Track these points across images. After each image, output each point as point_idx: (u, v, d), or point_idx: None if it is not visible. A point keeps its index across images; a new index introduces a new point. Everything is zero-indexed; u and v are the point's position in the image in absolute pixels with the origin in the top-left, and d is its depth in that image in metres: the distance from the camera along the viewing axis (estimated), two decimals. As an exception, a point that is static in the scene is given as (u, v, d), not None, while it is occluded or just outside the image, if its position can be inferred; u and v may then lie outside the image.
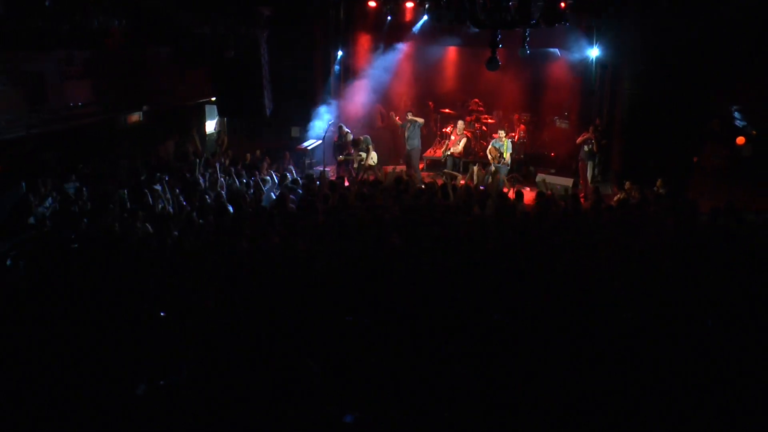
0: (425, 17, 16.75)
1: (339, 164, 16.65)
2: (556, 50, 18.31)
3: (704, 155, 14.56)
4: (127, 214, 10.03)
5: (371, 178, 14.32)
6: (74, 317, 6.83)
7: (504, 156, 15.99)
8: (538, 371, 6.09)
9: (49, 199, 11.04)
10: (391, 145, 18.34)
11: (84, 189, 11.47)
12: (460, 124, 17.69)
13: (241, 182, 12.86)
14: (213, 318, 6.98)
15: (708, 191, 13.46)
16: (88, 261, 8.28)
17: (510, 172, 16.64)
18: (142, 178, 12.77)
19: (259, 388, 5.71)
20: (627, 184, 13.25)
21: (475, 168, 14.96)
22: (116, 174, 13.18)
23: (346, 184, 13.72)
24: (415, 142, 17.00)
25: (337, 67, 19.08)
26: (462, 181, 14.98)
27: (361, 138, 16.51)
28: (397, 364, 6.13)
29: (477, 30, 14.34)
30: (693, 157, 14.89)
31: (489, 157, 16.24)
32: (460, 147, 17.31)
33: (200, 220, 9.83)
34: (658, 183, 12.98)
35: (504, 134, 16.29)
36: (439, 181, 14.08)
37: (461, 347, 6.39)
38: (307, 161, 16.91)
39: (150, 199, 10.82)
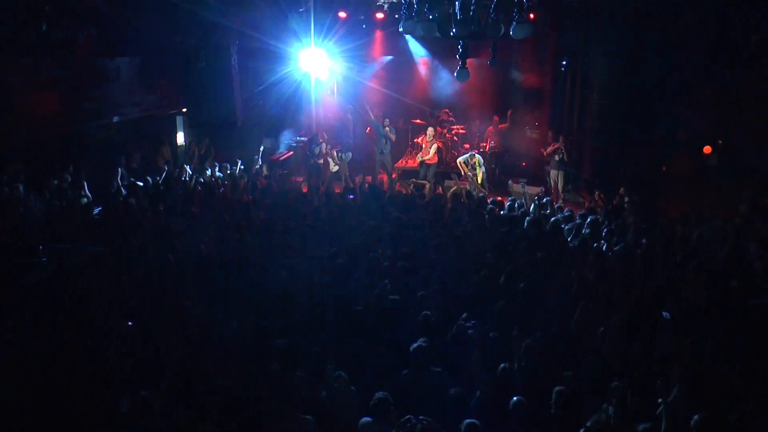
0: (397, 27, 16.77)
1: (310, 173, 16.67)
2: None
3: (672, 164, 14.77)
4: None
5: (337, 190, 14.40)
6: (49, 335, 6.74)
7: (479, 176, 16.03)
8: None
9: None
10: (366, 154, 18.29)
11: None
12: (430, 130, 17.46)
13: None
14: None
15: (675, 199, 13.65)
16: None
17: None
18: (113, 190, 12.66)
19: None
20: (597, 194, 13.43)
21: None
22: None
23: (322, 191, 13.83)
24: (387, 151, 17.02)
25: (308, 77, 19.06)
26: (430, 190, 15.07)
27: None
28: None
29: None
30: (662, 166, 15.09)
31: (460, 170, 16.27)
32: (431, 154, 17.22)
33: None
34: (621, 191, 13.21)
35: (475, 152, 16.40)
36: (403, 191, 14.21)
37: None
38: (280, 171, 16.85)
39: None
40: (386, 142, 16.77)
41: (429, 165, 17.06)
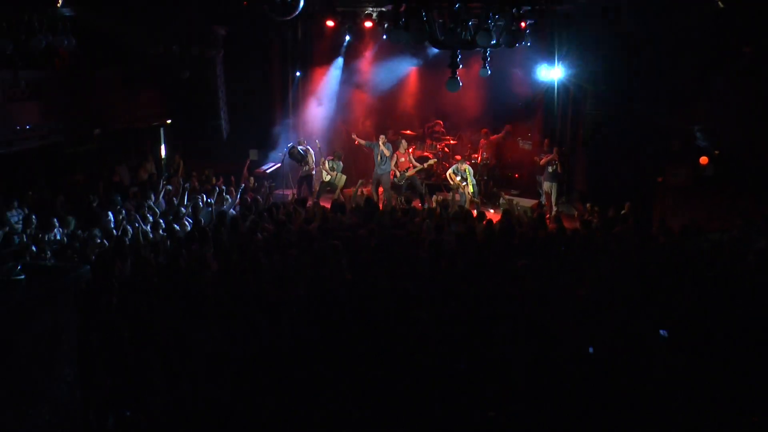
0: (384, 37, 16.47)
1: (299, 184, 16.34)
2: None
3: (668, 175, 14.56)
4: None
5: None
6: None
7: (469, 186, 15.75)
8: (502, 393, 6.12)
9: None
10: (353, 166, 17.96)
11: (33, 216, 10.98)
12: (404, 143, 17.13)
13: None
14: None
15: (672, 210, 13.44)
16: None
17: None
18: (94, 204, 12.28)
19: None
20: (589, 206, 13.22)
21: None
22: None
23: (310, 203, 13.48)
24: (385, 166, 16.60)
25: (295, 88, 18.78)
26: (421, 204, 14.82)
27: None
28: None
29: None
30: (657, 177, 14.87)
31: (450, 181, 16.01)
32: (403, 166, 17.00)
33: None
34: (626, 207, 12.88)
35: (465, 162, 16.14)
36: (394, 203, 13.98)
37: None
38: (267, 184, 16.50)
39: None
40: (381, 159, 16.35)
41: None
